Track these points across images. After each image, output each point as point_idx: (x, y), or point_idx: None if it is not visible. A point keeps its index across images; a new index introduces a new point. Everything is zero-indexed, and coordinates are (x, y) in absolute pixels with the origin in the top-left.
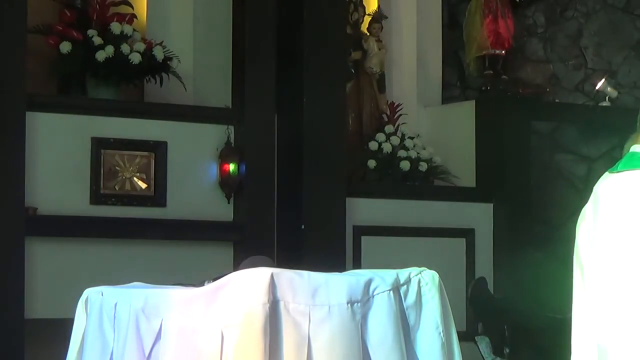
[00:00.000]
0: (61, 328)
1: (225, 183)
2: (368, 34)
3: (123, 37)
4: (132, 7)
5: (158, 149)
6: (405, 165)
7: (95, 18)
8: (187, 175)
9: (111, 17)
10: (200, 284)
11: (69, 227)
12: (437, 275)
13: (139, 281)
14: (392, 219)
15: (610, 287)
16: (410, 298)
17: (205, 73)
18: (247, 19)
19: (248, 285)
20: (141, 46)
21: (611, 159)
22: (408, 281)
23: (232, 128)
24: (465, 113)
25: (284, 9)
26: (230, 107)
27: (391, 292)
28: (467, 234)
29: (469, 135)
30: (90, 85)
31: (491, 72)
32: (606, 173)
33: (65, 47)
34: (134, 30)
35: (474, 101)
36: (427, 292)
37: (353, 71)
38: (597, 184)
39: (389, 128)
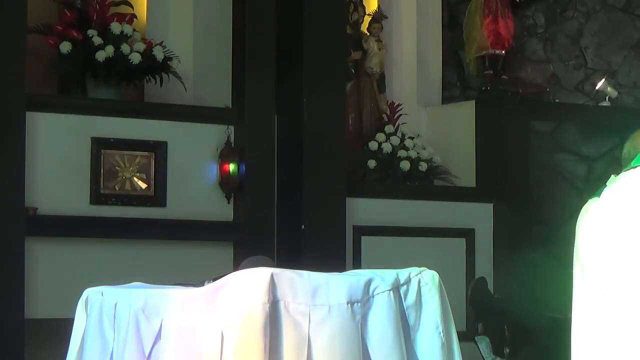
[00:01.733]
0: (61, 328)
1: (225, 183)
2: (368, 34)
3: (123, 37)
4: (132, 7)
5: (158, 149)
6: (405, 165)
7: (95, 18)
8: (187, 175)
9: (111, 17)
10: (200, 284)
11: (69, 227)
12: (437, 275)
13: (139, 281)
14: (392, 219)
15: (620, 285)
16: (410, 298)
17: (205, 73)
18: (247, 19)
19: (248, 285)
20: (141, 46)
21: (611, 159)
22: (408, 281)
23: (232, 128)
24: (465, 113)
25: (284, 9)
26: (230, 107)
27: (391, 292)
28: (467, 234)
29: (469, 135)
30: (90, 85)
31: (491, 72)
32: (612, 177)
33: (65, 47)
34: (134, 30)
35: (474, 101)
36: (427, 292)
37: (353, 71)
38: (606, 188)
39: (389, 128)
